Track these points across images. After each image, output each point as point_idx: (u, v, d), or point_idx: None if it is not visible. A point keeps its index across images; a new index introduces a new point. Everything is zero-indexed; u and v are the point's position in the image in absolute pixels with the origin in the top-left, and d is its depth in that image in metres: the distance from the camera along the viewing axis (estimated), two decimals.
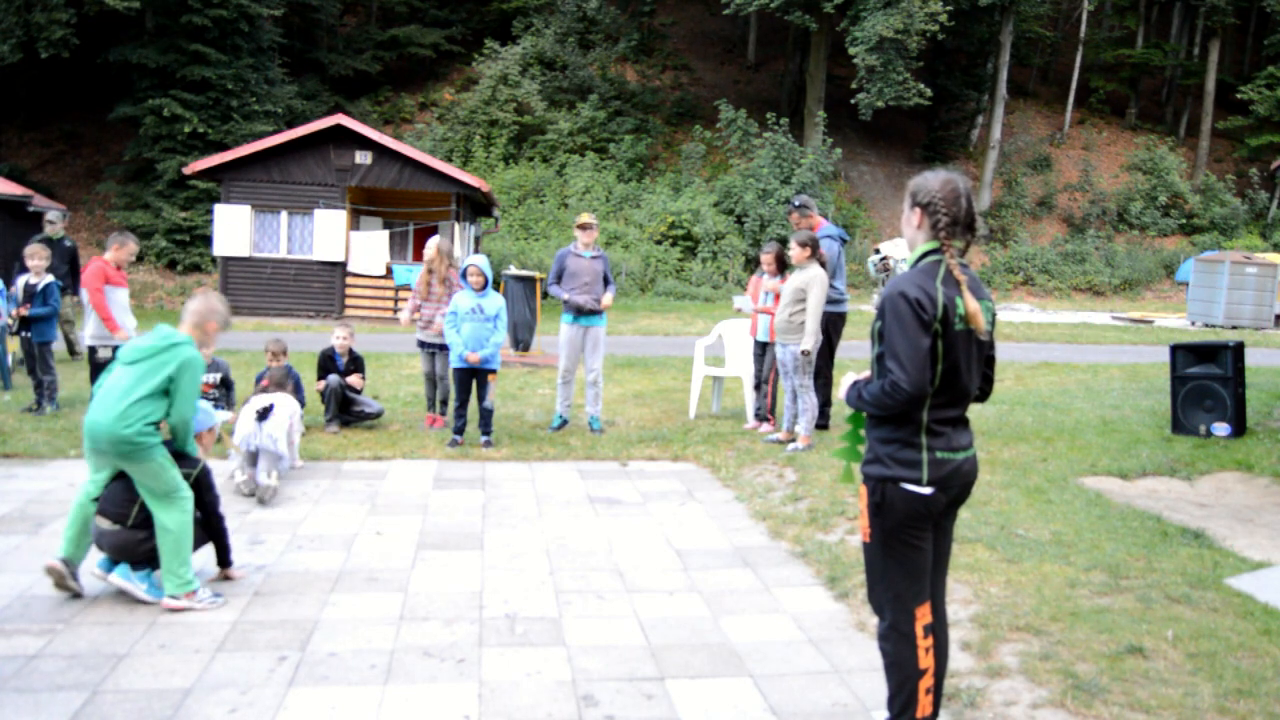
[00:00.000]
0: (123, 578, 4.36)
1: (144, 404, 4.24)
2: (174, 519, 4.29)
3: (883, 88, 26.96)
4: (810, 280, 7.37)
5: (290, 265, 18.84)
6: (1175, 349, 7.93)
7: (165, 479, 4.29)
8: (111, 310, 7.72)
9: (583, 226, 8.14)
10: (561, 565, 5.07)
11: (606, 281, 8.26)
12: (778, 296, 7.76)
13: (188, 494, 4.38)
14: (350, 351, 8.41)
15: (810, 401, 7.47)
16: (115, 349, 7.55)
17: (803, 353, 7.35)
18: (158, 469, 4.27)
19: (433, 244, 8.51)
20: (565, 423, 8.40)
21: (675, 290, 24.62)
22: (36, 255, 9.06)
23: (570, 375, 8.28)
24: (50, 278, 9.13)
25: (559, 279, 8.19)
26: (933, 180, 3.02)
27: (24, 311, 8.96)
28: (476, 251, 21.73)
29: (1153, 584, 4.47)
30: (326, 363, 8.29)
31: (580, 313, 8.14)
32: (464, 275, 7.69)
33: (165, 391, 4.32)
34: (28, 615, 4.19)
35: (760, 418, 8.43)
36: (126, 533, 4.32)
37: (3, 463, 6.90)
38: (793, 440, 7.55)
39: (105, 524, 4.34)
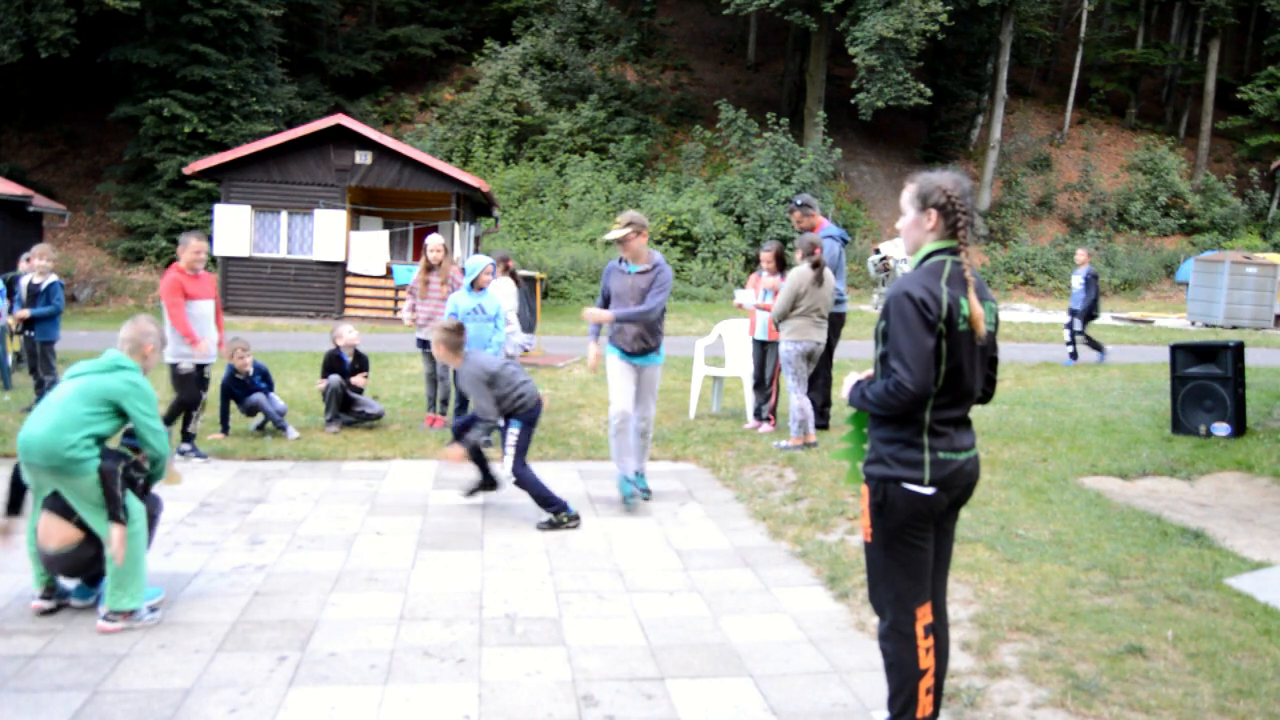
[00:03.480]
0: (80, 599, 4.28)
1: (85, 418, 4.03)
2: (130, 525, 4.06)
3: (883, 88, 26.96)
4: (790, 273, 7.58)
5: (290, 265, 18.84)
6: (1175, 349, 7.94)
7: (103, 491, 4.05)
8: (190, 323, 6.99)
9: (620, 241, 6.02)
10: (561, 565, 5.06)
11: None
12: (776, 293, 7.80)
13: (136, 504, 4.13)
14: (355, 351, 8.45)
15: (794, 404, 7.49)
16: (199, 366, 7.10)
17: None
18: (95, 483, 4.02)
19: (434, 241, 8.53)
20: (636, 492, 6.29)
21: (675, 290, 24.63)
22: (41, 255, 9.10)
23: (625, 423, 6.15)
24: (54, 277, 9.15)
25: (605, 302, 6.23)
26: (944, 181, 2.98)
27: (25, 314, 8.99)
28: (476, 251, 21.72)
29: (1153, 584, 4.47)
30: (333, 362, 8.31)
31: (630, 349, 6.11)
32: (475, 277, 7.66)
33: (115, 411, 4.13)
34: (28, 615, 4.18)
35: (761, 417, 8.43)
36: (77, 550, 4.12)
37: (2, 463, 6.89)
38: (811, 443, 7.53)
39: (52, 546, 4.11)
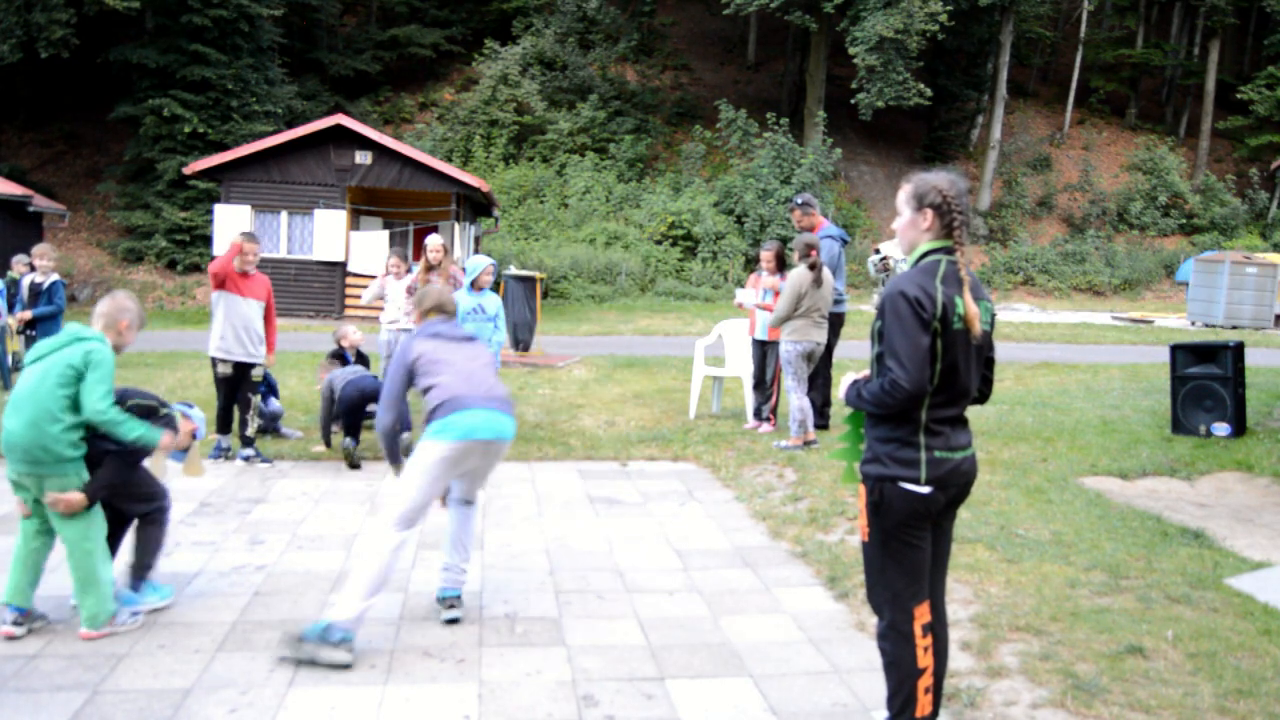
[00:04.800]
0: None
1: (62, 403, 3.82)
2: (85, 542, 3.91)
3: (883, 88, 26.95)
4: (790, 276, 7.56)
5: (290, 265, 18.84)
6: (1175, 349, 7.93)
7: None
8: (228, 308, 6.78)
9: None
10: (561, 565, 5.07)
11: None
12: (777, 293, 7.81)
13: (99, 513, 3.98)
14: (358, 351, 8.45)
15: (794, 404, 7.49)
16: (241, 365, 6.89)
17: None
18: (72, 486, 3.87)
19: (434, 241, 8.52)
20: (451, 597, 4.31)
21: (675, 290, 24.63)
22: (42, 255, 9.13)
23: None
24: (56, 276, 9.17)
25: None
26: (939, 181, 2.99)
27: (27, 315, 9.02)
28: (476, 251, 21.72)
29: (1153, 584, 4.47)
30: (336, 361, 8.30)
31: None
32: (475, 277, 7.66)
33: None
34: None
35: (761, 417, 8.43)
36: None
37: (2, 463, 6.90)
38: (811, 442, 7.53)
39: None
